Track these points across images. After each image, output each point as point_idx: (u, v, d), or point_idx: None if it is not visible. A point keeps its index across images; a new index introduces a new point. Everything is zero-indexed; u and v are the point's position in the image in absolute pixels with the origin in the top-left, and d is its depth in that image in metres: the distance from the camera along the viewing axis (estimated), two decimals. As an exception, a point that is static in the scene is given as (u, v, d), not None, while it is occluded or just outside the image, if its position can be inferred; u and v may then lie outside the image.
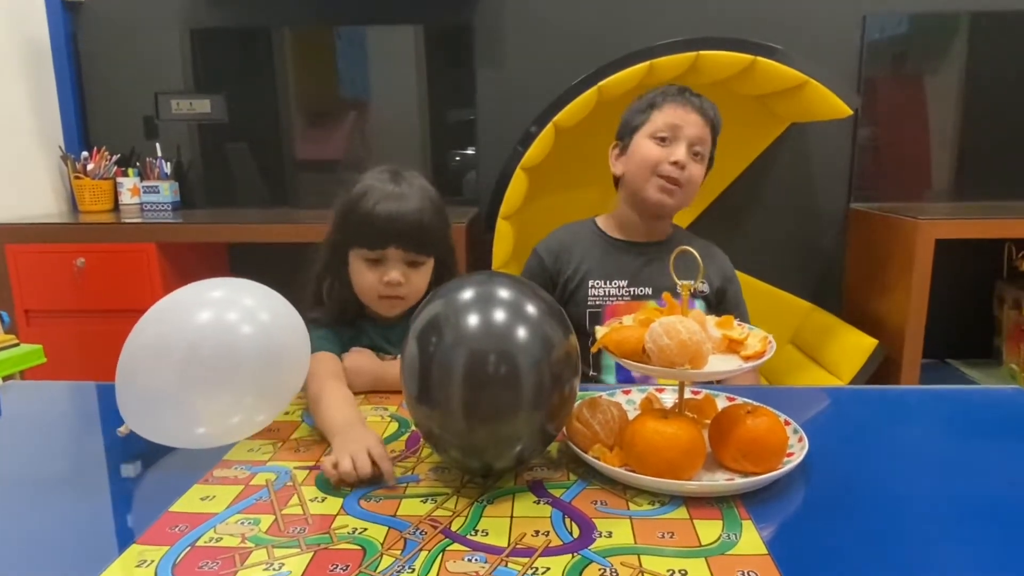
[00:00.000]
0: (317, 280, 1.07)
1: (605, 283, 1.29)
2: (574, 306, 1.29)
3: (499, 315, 0.68)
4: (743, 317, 1.33)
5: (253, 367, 0.78)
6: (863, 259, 2.26)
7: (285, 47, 2.37)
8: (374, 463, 0.73)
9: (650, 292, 1.27)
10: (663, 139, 1.26)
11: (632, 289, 1.29)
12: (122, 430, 0.81)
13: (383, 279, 1.01)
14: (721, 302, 1.33)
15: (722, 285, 1.33)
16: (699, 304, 1.29)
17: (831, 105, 1.90)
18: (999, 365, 2.24)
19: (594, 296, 1.29)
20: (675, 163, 1.24)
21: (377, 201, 0.99)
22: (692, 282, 0.76)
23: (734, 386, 1.12)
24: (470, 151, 2.37)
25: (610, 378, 1.27)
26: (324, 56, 2.39)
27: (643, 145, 1.27)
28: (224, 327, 0.78)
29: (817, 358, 2.12)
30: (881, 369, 1.95)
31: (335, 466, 0.72)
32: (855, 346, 1.98)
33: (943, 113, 2.30)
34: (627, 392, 0.91)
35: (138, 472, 0.79)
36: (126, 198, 2.36)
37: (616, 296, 1.29)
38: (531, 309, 0.69)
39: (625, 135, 1.32)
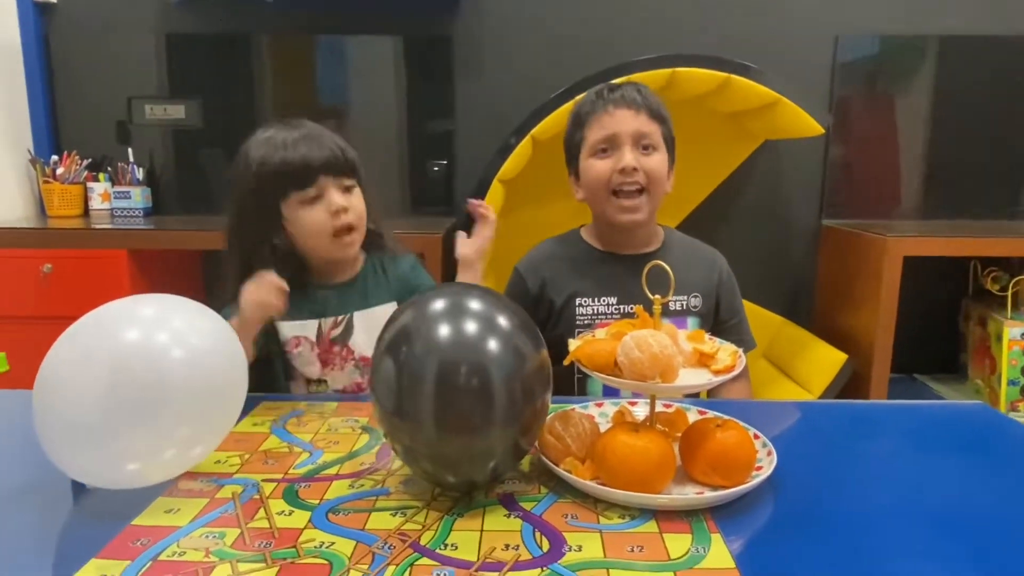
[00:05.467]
0: (242, 265, 1.04)
1: (594, 300, 1.21)
2: (562, 327, 1.21)
3: (471, 326, 0.68)
4: (739, 330, 1.27)
5: (185, 395, 0.70)
6: (834, 275, 2.30)
7: (263, 54, 2.35)
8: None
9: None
10: (604, 151, 1.18)
11: (622, 307, 1.21)
12: None
13: (330, 211, 1.02)
14: (717, 313, 1.26)
15: (714, 295, 1.26)
16: (692, 321, 1.22)
17: (803, 123, 1.93)
18: (965, 380, 2.28)
19: (582, 315, 1.21)
20: (623, 170, 1.16)
21: (287, 145, 1.01)
22: (664, 295, 0.77)
23: (709, 400, 1.12)
24: (447, 161, 2.37)
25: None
26: (303, 64, 2.38)
27: (589, 167, 1.20)
28: (152, 350, 0.69)
29: (789, 372, 2.15)
30: (850, 383, 1.98)
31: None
32: (825, 360, 2.01)
33: (913, 133, 2.35)
34: (600, 405, 0.91)
35: (101, 484, 0.78)
36: (96, 203, 2.32)
37: (606, 314, 1.20)
38: (503, 322, 0.69)
39: (571, 160, 1.26)
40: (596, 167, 1.19)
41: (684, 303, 1.23)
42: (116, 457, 0.69)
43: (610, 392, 1.13)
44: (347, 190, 1.05)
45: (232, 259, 1.05)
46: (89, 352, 0.69)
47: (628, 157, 1.16)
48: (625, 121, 1.17)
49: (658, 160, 1.18)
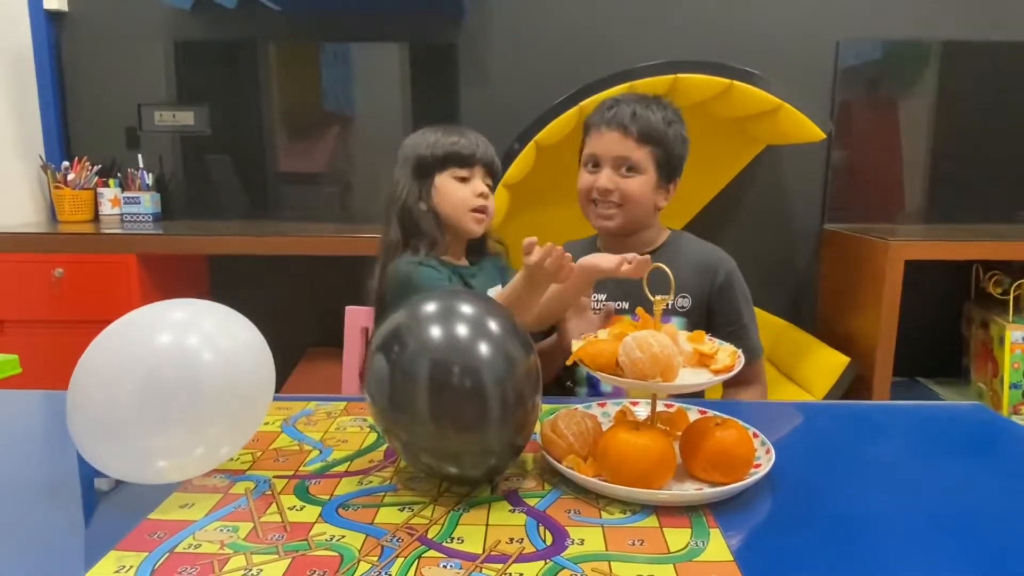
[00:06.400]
0: (402, 224, 1.23)
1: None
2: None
3: (462, 329, 0.70)
4: (739, 337, 1.25)
5: (217, 396, 0.73)
6: (836, 278, 2.31)
7: (270, 61, 2.39)
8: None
9: (627, 307, 1.26)
10: (593, 165, 1.28)
11: (608, 303, 1.26)
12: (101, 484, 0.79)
13: (475, 191, 1.21)
14: (711, 318, 1.27)
15: (707, 299, 1.27)
16: (677, 321, 1.25)
17: (805, 129, 1.95)
18: (967, 384, 2.29)
19: None
20: (599, 190, 1.25)
21: (462, 136, 1.22)
22: (665, 296, 0.78)
23: (716, 400, 1.14)
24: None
25: (582, 390, 1.29)
26: (309, 71, 2.41)
27: (580, 176, 1.30)
28: (184, 353, 0.72)
29: (791, 375, 2.16)
30: (853, 386, 1.99)
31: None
32: (828, 364, 2.02)
33: (915, 137, 2.37)
34: (602, 405, 0.93)
35: (117, 481, 0.80)
36: (106, 208, 2.35)
37: (595, 310, 1.25)
38: (493, 326, 0.71)
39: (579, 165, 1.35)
40: (583, 178, 1.30)
41: (670, 303, 1.23)
42: (148, 454, 0.71)
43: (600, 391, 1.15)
44: (489, 187, 1.24)
45: (391, 221, 1.24)
46: (124, 354, 0.72)
47: (603, 179, 1.25)
48: (610, 144, 1.25)
49: (638, 183, 1.25)
